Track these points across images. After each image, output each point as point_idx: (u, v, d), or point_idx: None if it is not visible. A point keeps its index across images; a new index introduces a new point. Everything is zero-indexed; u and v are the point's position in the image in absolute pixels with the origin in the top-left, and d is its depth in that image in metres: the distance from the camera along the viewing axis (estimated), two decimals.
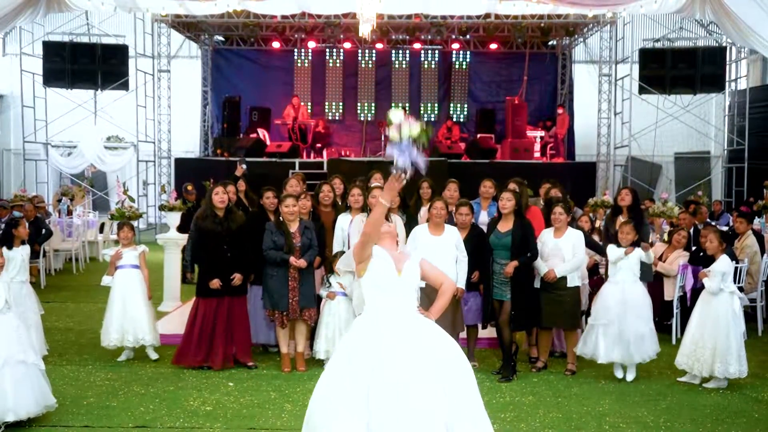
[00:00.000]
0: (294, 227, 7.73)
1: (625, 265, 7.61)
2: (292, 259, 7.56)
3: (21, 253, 7.68)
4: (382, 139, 20.40)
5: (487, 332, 8.23)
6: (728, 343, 7.17)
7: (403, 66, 22.40)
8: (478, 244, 7.70)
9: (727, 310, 7.28)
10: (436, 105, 22.46)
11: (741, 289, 9.29)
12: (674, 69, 18.74)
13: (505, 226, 7.61)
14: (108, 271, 8.18)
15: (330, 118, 22.09)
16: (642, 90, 19.01)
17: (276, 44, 21.73)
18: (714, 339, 7.20)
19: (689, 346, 7.38)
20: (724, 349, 7.17)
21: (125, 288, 8.09)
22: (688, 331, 7.50)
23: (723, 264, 7.32)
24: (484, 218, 8.59)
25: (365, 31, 13.18)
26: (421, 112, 22.13)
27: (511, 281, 7.50)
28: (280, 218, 7.75)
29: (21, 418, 5.92)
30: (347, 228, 7.99)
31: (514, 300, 7.52)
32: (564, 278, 7.69)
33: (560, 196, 8.48)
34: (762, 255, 9.92)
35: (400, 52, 22.30)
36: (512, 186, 8.18)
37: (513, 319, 7.57)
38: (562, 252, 7.70)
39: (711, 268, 7.35)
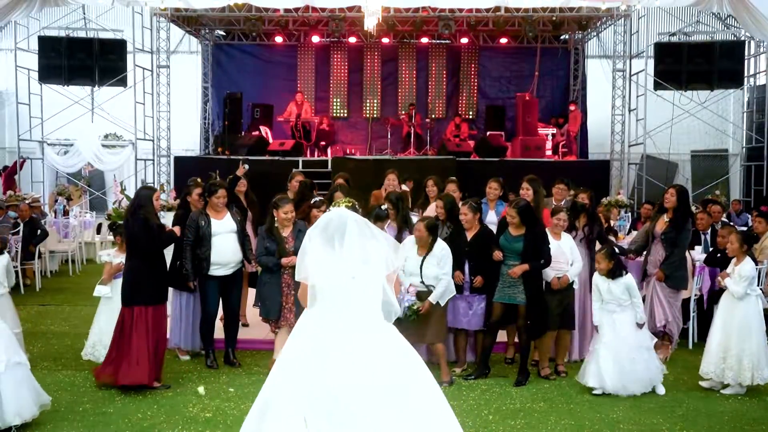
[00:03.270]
0: (287, 231, 7.71)
1: (607, 295, 7.42)
2: (284, 259, 7.56)
3: None
4: (388, 136, 20.43)
5: (497, 337, 8.19)
6: (759, 348, 7.13)
7: (410, 61, 22.39)
8: (485, 245, 7.72)
9: (753, 314, 7.22)
10: (444, 101, 22.42)
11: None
12: (691, 64, 18.60)
13: (517, 230, 7.60)
14: (103, 280, 7.96)
15: (334, 115, 22.06)
16: (657, 86, 18.92)
17: (279, 39, 21.71)
18: (744, 345, 7.11)
19: (716, 353, 7.25)
20: (757, 355, 7.10)
21: None
22: (712, 338, 7.36)
23: (749, 268, 7.23)
24: (492, 218, 8.60)
25: (370, 25, 13.18)
26: (429, 108, 22.12)
27: (524, 289, 7.49)
28: (275, 224, 7.73)
29: (26, 420, 6.01)
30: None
31: (529, 308, 7.50)
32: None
33: (585, 203, 8.47)
34: None
35: (407, 47, 22.28)
36: (522, 192, 8.35)
37: (527, 328, 7.58)
38: (566, 255, 7.81)
39: (737, 272, 7.23)
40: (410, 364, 4.39)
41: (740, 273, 7.21)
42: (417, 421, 4.21)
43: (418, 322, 7.25)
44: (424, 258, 7.47)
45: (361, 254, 4.42)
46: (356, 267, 4.40)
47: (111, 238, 12.58)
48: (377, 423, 4.15)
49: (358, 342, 4.32)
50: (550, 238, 7.81)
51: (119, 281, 7.62)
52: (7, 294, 7.53)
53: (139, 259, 7.27)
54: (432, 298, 7.42)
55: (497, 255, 7.58)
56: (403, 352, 4.43)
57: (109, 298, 7.86)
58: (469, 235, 7.91)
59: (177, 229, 7.65)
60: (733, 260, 7.44)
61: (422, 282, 7.43)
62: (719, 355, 7.22)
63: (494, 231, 8.02)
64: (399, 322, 7.12)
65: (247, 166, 9.81)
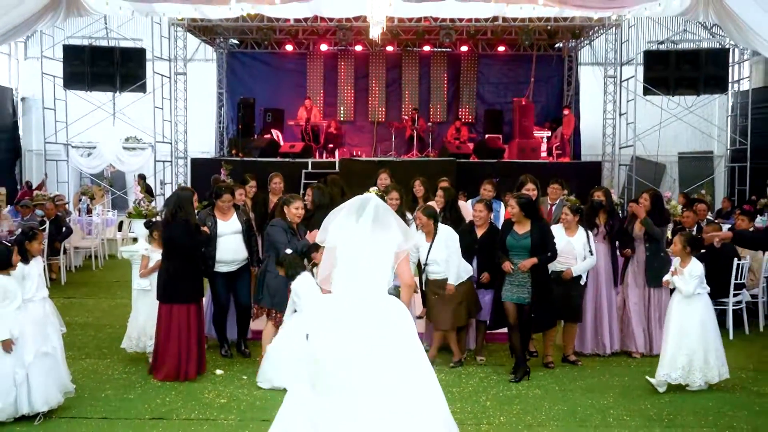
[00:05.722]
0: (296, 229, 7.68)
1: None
2: (315, 255, 7.28)
3: (37, 268, 6.32)
4: (392, 139, 20.43)
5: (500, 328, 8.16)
6: (720, 345, 6.95)
7: (413, 68, 22.39)
8: (494, 243, 7.66)
9: (710, 312, 7.00)
10: (445, 106, 22.42)
11: (743, 285, 9.27)
12: (678, 70, 18.61)
13: (522, 228, 7.40)
14: (142, 272, 7.77)
15: (342, 119, 22.08)
16: (646, 91, 18.93)
17: (289, 47, 21.71)
18: (709, 344, 6.87)
19: (674, 356, 6.87)
20: (721, 350, 6.93)
21: None
22: (668, 343, 6.94)
23: (699, 267, 6.94)
24: None
25: (375, 33, 13.16)
26: (431, 112, 22.11)
27: (531, 283, 7.29)
28: (290, 221, 7.60)
29: (52, 407, 6.09)
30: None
31: (536, 302, 7.31)
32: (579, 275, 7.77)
33: (602, 200, 8.32)
34: (764, 252, 9.81)
35: (410, 54, 22.28)
36: (529, 193, 8.26)
37: (534, 321, 7.41)
38: (575, 250, 7.72)
39: (686, 272, 6.92)
40: (405, 339, 4.61)
41: (690, 273, 6.90)
42: (402, 398, 4.40)
43: (440, 308, 7.45)
44: (432, 243, 7.56)
45: (379, 232, 4.70)
46: (371, 239, 4.68)
47: (132, 234, 12.60)
48: (360, 395, 4.39)
49: (362, 314, 4.57)
50: (563, 234, 7.73)
51: (155, 275, 7.49)
52: (46, 297, 6.42)
53: (179, 260, 7.14)
54: (452, 281, 7.53)
55: (506, 266, 7.31)
56: (402, 327, 4.64)
57: (148, 291, 7.71)
58: (480, 233, 7.89)
59: (206, 229, 7.61)
60: (677, 260, 7.13)
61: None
62: (681, 359, 6.84)
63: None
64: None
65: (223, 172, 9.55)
